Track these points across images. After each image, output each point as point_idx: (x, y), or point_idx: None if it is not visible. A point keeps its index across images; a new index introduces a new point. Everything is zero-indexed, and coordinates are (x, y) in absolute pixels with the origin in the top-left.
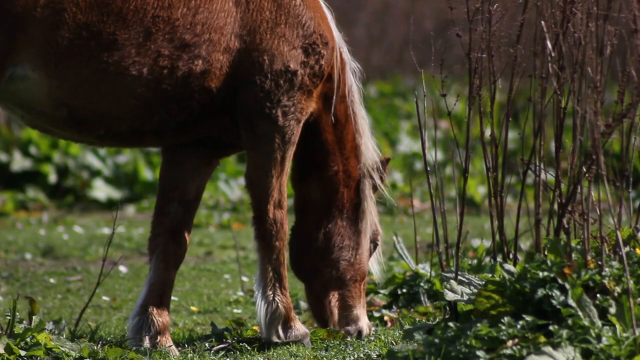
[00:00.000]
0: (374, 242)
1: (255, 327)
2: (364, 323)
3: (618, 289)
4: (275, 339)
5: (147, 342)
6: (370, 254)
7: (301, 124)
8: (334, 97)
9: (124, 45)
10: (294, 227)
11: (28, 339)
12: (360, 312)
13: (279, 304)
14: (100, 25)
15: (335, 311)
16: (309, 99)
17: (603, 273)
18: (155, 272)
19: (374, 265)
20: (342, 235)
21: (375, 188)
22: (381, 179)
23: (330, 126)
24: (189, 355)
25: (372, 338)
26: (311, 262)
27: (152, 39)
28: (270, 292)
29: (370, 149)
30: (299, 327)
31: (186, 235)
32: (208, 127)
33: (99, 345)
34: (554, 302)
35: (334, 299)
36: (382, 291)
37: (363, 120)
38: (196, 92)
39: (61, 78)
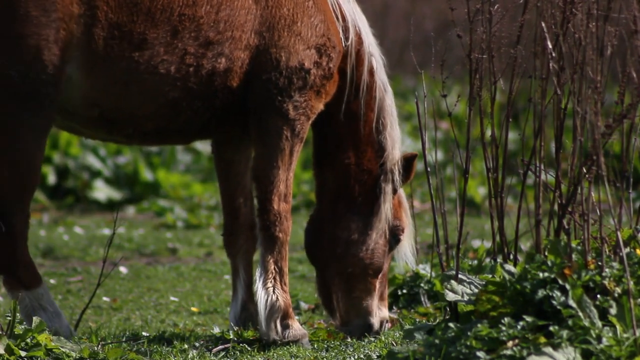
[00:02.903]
0: (395, 238)
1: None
2: (376, 318)
3: (618, 290)
4: (273, 335)
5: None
6: (391, 249)
7: (310, 121)
8: (345, 94)
9: (152, 44)
10: (312, 214)
11: (28, 340)
12: (371, 306)
13: (279, 297)
14: (131, 25)
15: (342, 303)
16: (318, 98)
17: (603, 274)
18: (243, 272)
19: (401, 260)
20: (349, 230)
21: (403, 182)
22: (406, 176)
23: (342, 119)
24: (190, 355)
25: (373, 339)
26: (320, 250)
27: (179, 37)
28: (271, 285)
29: (393, 145)
30: (297, 328)
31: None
32: (229, 126)
33: (99, 346)
34: (555, 302)
35: (339, 290)
36: None
37: (390, 117)
38: (219, 91)
39: (96, 77)
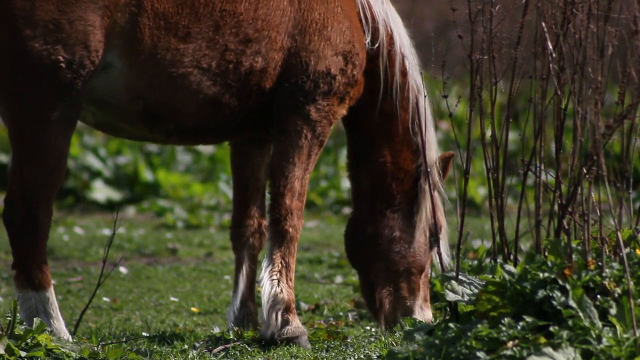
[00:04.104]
0: (435, 237)
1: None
2: (420, 317)
3: (618, 290)
4: (272, 329)
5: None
6: (432, 248)
7: (331, 126)
8: (380, 95)
9: (196, 38)
10: (350, 217)
11: (29, 340)
12: (416, 305)
13: (284, 290)
14: (176, 17)
15: (385, 303)
16: (341, 105)
17: (603, 274)
18: (247, 267)
19: (440, 259)
20: (391, 227)
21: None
22: (441, 175)
23: (376, 120)
24: (190, 355)
25: (373, 339)
26: (362, 252)
27: (220, 33)
28: (276, 278)
29: (429, 147)
30: (297, 325)
31: (266, 222)
32: (258, 128)
33: (99, 346)
34: (555, 303)
35: (384, 290)
36: None
37: (422, 116)
38: (254, 92)
39: (141, 68)
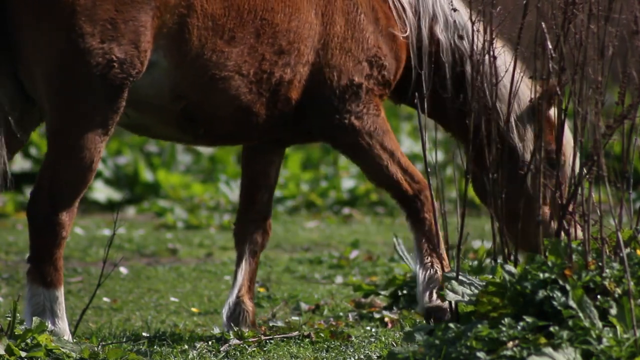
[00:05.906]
0: (550, 162)
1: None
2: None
3: (619, 290)
4: (427, 304)
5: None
6: (553, 170)
7: (381, 115)
8: (411, 85)
9: (239, 43)
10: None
11: (29, 340)
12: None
13: (438, 270)
14: (224, 19)
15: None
16: (381, 95)
17: (604, 274)
18: (247, 263)
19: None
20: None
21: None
22: (530, 122)
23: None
24: (190, 356)
25: (373, 339)
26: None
27: (259, 41)
28: (428, 261)
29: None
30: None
31: (270, 221)
32: (276, 137)
33: (99, 346)
34: (555, 303)
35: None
36: (382, 292)
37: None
38: (279, 103)
39: (186, 68)
